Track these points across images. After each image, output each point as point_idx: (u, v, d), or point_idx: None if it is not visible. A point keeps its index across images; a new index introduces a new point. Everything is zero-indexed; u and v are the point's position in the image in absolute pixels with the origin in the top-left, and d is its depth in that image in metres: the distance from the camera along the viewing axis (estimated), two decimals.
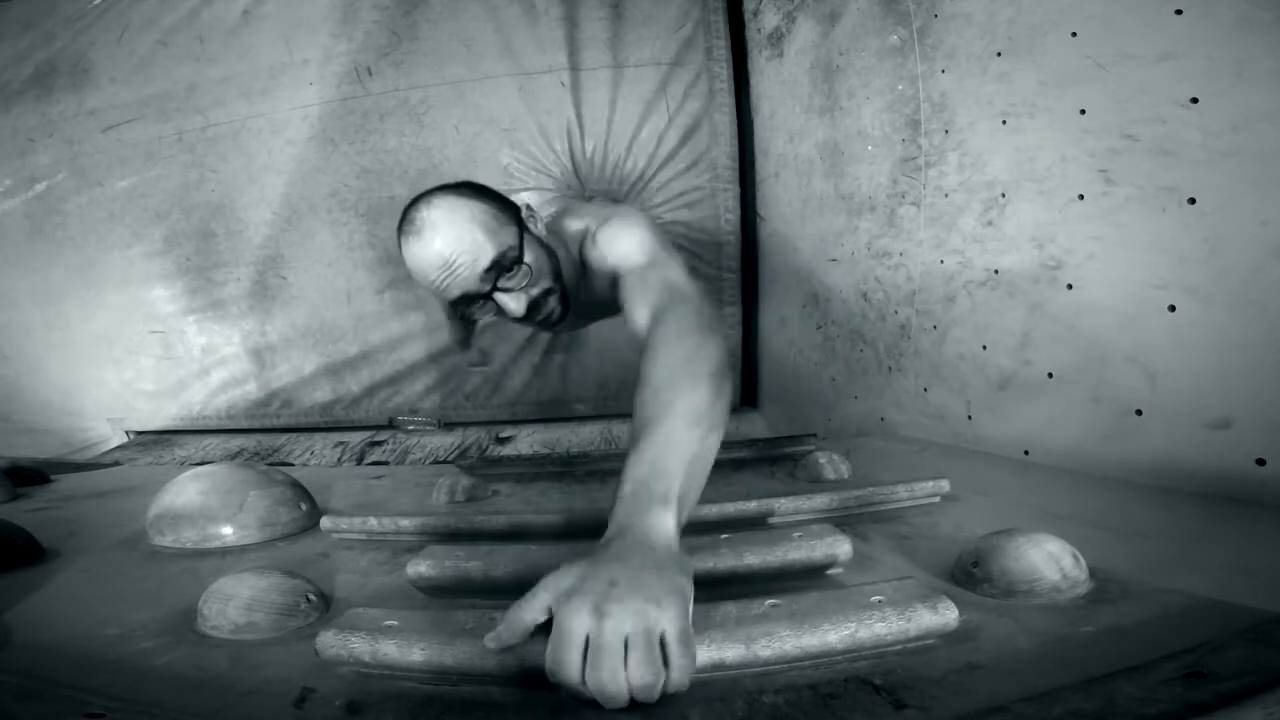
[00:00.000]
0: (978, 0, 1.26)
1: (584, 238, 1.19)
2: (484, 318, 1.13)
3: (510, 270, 1.07)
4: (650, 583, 0.53)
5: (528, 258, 1.08)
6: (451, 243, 1.03)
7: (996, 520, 0.81)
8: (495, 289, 1.07)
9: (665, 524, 0.61)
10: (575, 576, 0.55)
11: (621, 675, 0.48)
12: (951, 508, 0.95)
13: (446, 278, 1.05)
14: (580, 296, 1.24)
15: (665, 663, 0.49)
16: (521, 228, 1.11)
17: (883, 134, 1.60)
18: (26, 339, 2.83)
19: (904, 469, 1.18)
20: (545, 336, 2.66)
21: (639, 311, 0.96)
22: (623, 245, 1.10)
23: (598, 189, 2.62)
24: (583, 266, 1.21)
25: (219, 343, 2.77)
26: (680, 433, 0.69)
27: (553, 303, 1.15)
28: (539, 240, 1.14)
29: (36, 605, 0.74)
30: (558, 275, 1.15)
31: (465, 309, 1.09)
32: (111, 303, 2.77)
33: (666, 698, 0.50)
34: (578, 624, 0.50)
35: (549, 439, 2.62)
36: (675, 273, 1.03)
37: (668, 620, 0.50)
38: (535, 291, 1.11)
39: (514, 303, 1.08)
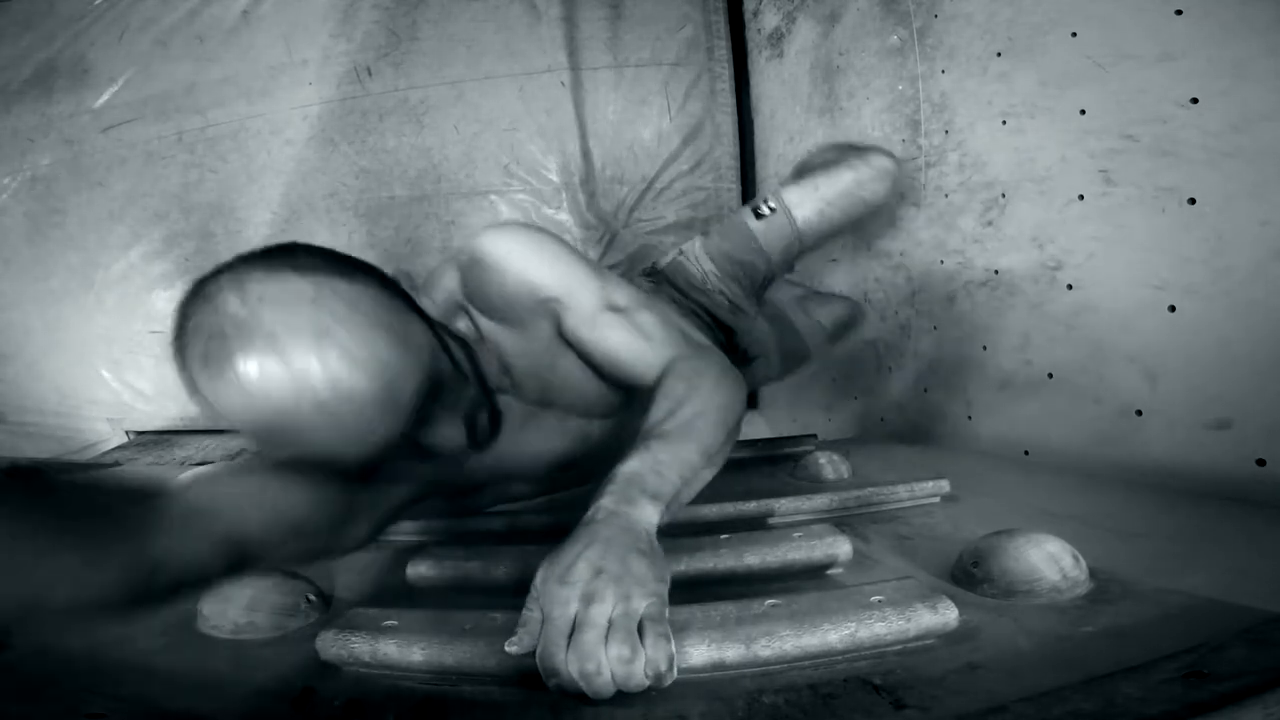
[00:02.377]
0: (978, 0, 1.26)
1: (459, 268, 0.82)
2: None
3: (445, 385, 0.67)
4: (637, 570, 0.54)
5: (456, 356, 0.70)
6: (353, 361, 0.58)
7: (996, 520, 0.81)
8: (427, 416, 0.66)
9: (651, 518, 0.60)
10: (565, 565, 0.54)
11: (600, 651, 0.49)
12: (951, 508, 0.95)
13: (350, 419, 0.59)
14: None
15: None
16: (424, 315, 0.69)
17: (883, 134, 1.60)
18: (26, 339, 2.83)
19: (904, 469, 1.18)
20: None
21: (650, 357, 0.78)
22: (541, 267, 0.79)
23: (599, 190, 2.62)
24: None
25: None
26: (692, 459, 0.66)
27: (484, 418, 0.74)
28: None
29: None
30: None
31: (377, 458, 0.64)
32: (111, 303, 2.77)
33: (664, 695, 0.50)
34: (569, 611, 0.51)
35: None
36: (656, 314, 0.82)
37: (648, 604, 0.52)
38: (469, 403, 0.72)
39: (453, 430, 0.69)
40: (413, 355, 0.62)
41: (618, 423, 0.93)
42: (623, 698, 0.50)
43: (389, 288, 0.65)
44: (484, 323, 0.82)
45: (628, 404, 0.90)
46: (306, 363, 0.56)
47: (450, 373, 0.68)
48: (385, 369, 0.59)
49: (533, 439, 0.87)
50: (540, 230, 0.83)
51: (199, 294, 0.59)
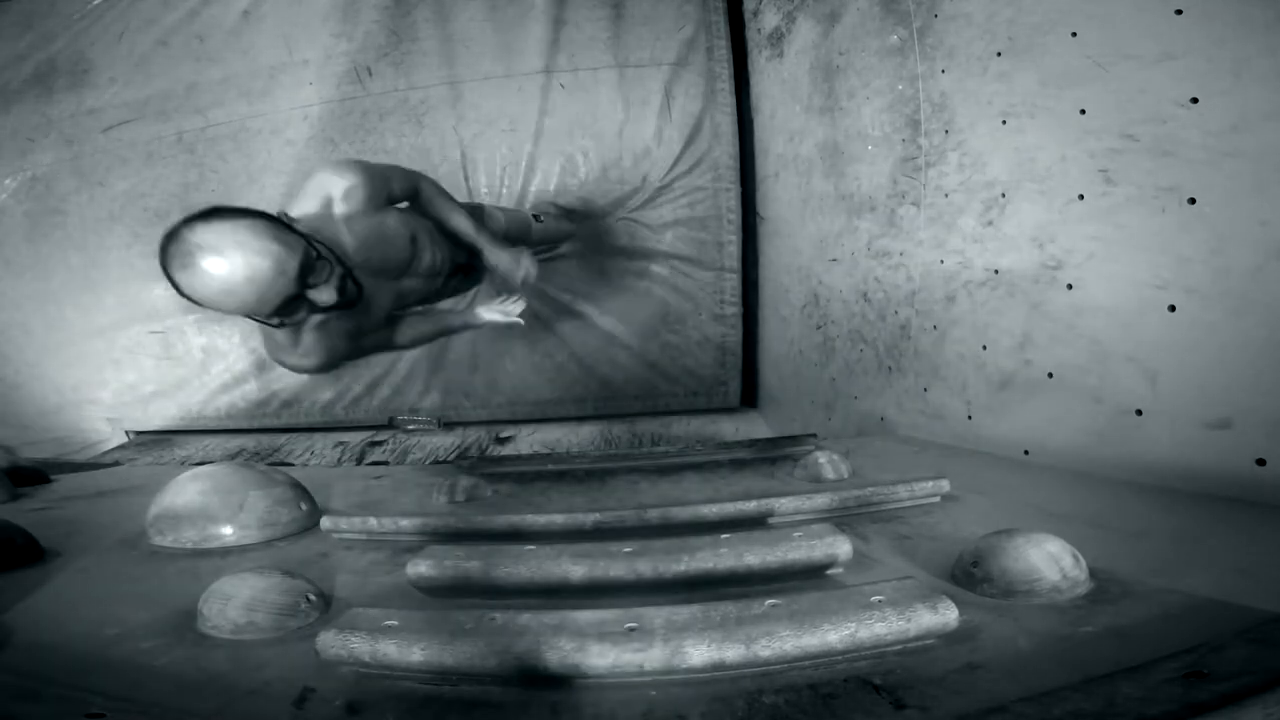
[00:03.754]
0: (978, 0, 1.26)
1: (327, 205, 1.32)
2: (299, 316, 1.19)
3: (315, 268, 1.14)
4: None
5: (320, 251, 1.17)
6: (256, 258, 1.05)
7: (996, 520, 0.81)
8: (306, 286, 1.14)
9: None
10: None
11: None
12: (951, 508, 0.95)
13: (262, 292, 1.06)
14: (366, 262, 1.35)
15: None
16: (300, 233, 1.16)
17: (883, 134, 1.60)
18: (26, 339, 2.83)
19: (904, 469, 1.18)
20: (541, 336, 2.66)
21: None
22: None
23: (598, 190, 2.62)
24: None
25: (219, 343, 2.77)
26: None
27: (350, 285, 1.25)
28: (311, 238, 1.21)
29: (36, 605, 0.74)
30: (341, 259, 1.24)
31: (285, 315, 1.15)
32: (111, 303, 2.77)
33: (665, 696, 0.50)
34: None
35: (549, 439, 2.62)
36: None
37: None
38: (336, 280, 1.20)
39: (325, 295, 1.18)
40: (293, 251, 1.10)
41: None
42: (623, 697, 0.50)
43: (276, 221, 1.13)
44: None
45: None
46: (254, 252, 1.04)
47: (320, 259, 1.15)
48: (276, 254, 1.07)
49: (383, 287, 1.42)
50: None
51: (174, 235, 1.06)
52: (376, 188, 1.38)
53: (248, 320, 1.19)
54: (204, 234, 1.03)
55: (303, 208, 1.30)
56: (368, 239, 1.32)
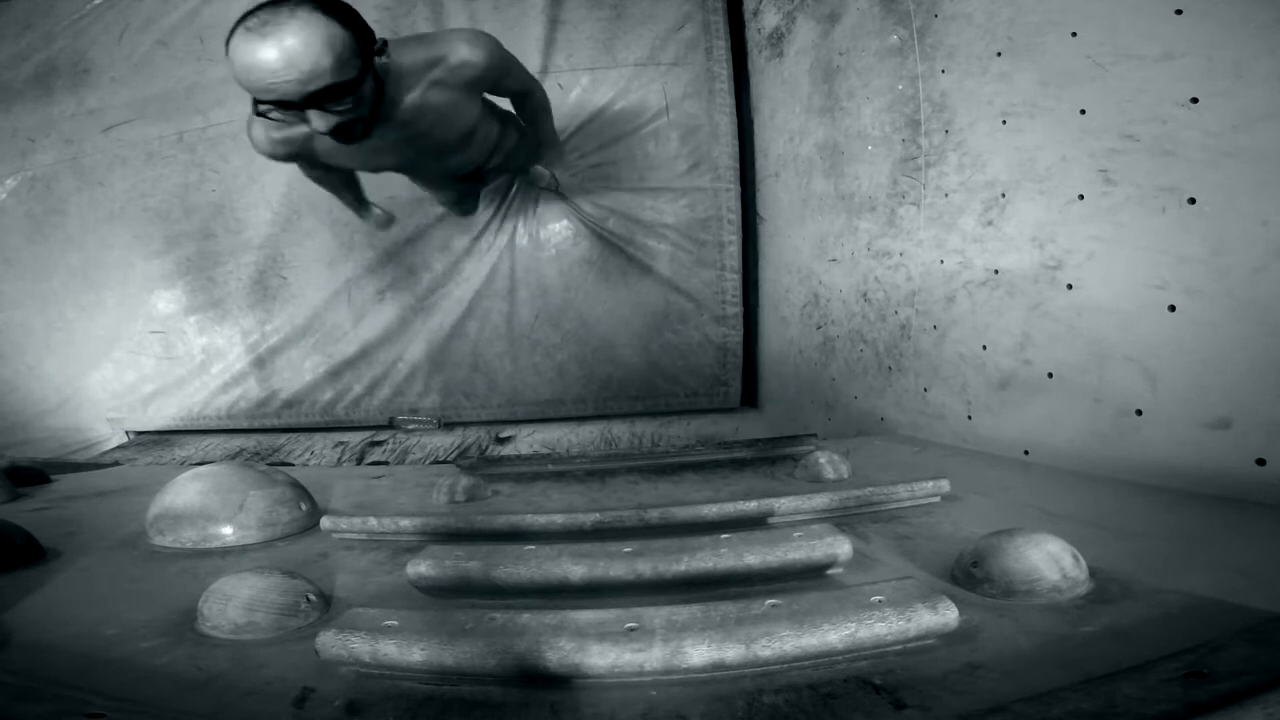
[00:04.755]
0: (978, 0, 1.26)
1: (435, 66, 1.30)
2: (283, 120, 1.18)
3: (336, 100, 1.12)
4: None
5: (360, 91, 1.15)
6: (292, 56, 1.05)
7: (996, 520, 0.81)
8: (310, 106, 1.12)
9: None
10: None
11: None
12: (951, 508, 0.95)
13: (271, 83, 1.08)
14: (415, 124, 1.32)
15: None
16: (369, 63, 1.16)
17: (883, 134, 1.60)
18: (27, 339, 2.83)
19: (904, 469, 1.18)
20: (541, 335, 2.66)
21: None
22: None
23: (595, 194, 2.62)
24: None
25: (219, 343, 2.77)
26: None
27: (358, 130, 1.22)
28: (375, 73, 1.20)
29: (36, 605, 0.74)
30: (375, 107, 1.22)
31: (274, 111, 1.14)
32: (112, 303, 2.77)
33: (665, 695, 0.50)
34: None
35: (549, 439, 2.62)
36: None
37: None
38: (348, 118, 1.17)
39: (321, 123, 1.14)
40: (335, 73, 1.09)
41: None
42: (623, 697, 0.50)
43: (365, 41, 1.15)
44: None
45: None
46: (296, 51, 1.05)
47: (348, 95, 1.13)
48: (318, 70, 1.08)
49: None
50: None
51: (253, 12, 1.08)
52: (489, 76, 1.36)
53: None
54: (289, 16, 1.05)
55: (422, 50, 1.29)
56: (434, 110, 1.30)
